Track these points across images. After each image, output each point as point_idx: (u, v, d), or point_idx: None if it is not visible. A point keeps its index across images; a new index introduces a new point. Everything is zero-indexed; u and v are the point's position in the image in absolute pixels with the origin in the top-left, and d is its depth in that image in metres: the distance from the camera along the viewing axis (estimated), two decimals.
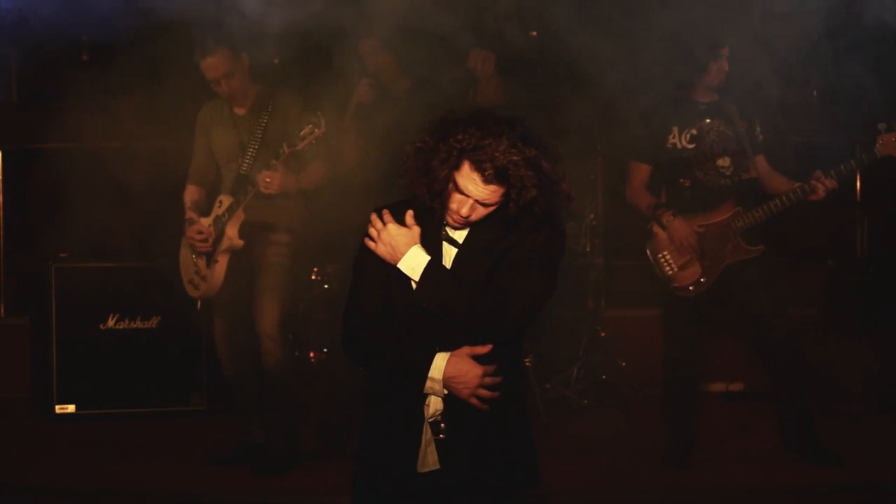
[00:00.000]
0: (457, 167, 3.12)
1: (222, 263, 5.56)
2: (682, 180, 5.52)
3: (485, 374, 3.18)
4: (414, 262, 3.21)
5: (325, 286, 7.11)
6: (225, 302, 5.63)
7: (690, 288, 5.49)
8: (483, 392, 3.19)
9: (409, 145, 3.21)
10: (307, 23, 5.09)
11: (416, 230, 3.24)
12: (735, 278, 5.47)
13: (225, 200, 5.58)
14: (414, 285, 3.22)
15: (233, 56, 5.45)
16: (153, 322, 6.73)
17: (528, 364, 6.50)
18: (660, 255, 5.52)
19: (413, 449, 3.22)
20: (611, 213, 7.36)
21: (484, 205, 3.16)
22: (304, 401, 5.96)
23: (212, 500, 5.35)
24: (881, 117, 5.31)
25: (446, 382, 3.18)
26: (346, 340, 3.34)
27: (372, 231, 3.26)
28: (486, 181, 3.10)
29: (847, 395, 6.70)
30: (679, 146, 5.51)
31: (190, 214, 5.67)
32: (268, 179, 5.36)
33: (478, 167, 3.09)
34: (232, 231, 5.53)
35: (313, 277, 7.14)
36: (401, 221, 3.25)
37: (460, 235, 3.27)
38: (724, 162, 5.50)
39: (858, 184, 8.09)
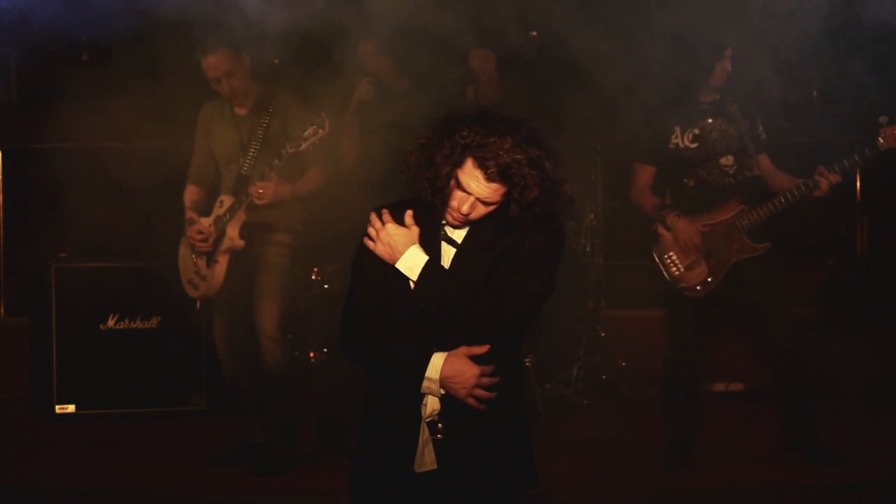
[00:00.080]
0: (460, 164, 3.13)
1: (222, 263, 5.56)
2: (685, 180, 5.52)
3: (482, 375, 3.19)
4: (412, 262, 3.21)
5: (325, 286, 7.11)
6: (224, 302, 5.63)
7: (698, 288, 5.48)
8: (480, 392, 3.19)
9: (413, 141, 3.21)
10: (308, 23, 5.09)
11: (415, 230, 3.25)
12: (741, 277, 5.47)
13: (226, 200, 5.57)
14: (412, 285, 3.22)
15: (234, 55, 5.44)
16: (153, 322, 6.73)
17: (528, 364, 6.50)
18: (666, 257, 5.51)
19: (410, 449, 3.22)
20: (611, 213, 7.36)
21: (485, 203, 3.17)
22: (304, 401, 5.96)
23: (212, 500, 5.35)
24: (881, 116, 5.30)
25: (443, 382, 3.18)
26: (343, 339, 3.34)
27: (371, 230, 3.27)
28: (489, 179, 3.11)
29: (847, 395, 6.71)
30: (682, 146, 5.50)
31: (190, 214, 5.67)
32: (260, 191, 5.36)
33: (481, 164, 3.10)
34: (233, 231, 5.52)
35: (313, 277, 7.14)
36: (400, 221, 3.26)
37: (459, 235, 3.28)
38: (727, 160, 5.50)
39: (858, 184, 8.10)
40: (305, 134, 5.28)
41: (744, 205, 5.47)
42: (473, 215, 3.19)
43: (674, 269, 5.50)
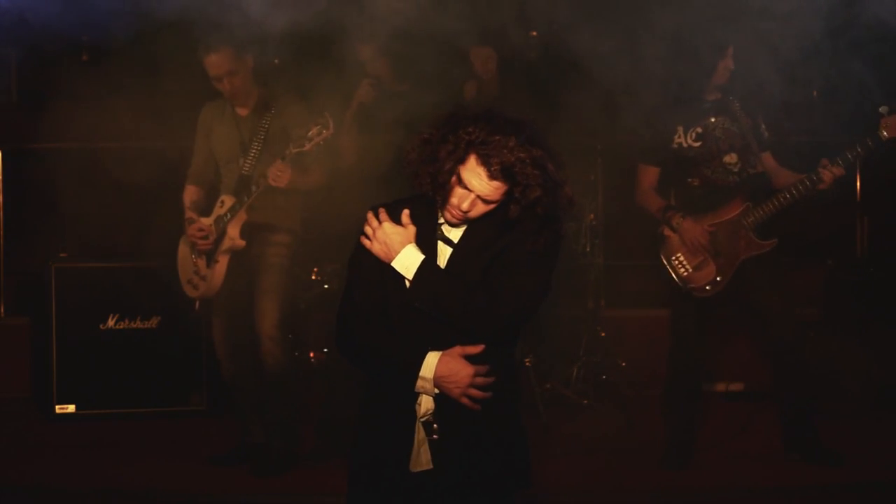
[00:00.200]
0: (463, 160, 3.13)
1: (223, 263, 5.56)
2: (690, 179, 5.52)
3: (476, 374, 3.19)
4: (408, 261, 3.21)
5: (325, 286, 7.11)
6: (223, 302, 5.63)
7: (707, 288, 5.47)
8: (474, 392, 3.19)
9: (416, 136, 3.21)
10: (309, 23, 5.09)
11: (412, 229, 3.25)
12: (747, 277, 5.46)
13: (227, 200, 5.57)
14: (408, 284, 3.22)
15: (236, 55, 5.45)
16: (153, 322, 6.73)
17: (528, 364, 6.51)
18: (673, 258, 5.50)
19: (406, 448, 3.22)
20: (611, 213, 7.36)
21: (485, 201, 3.17)
22: (304, 401, 5.96)
23: (212, 500, 5.35)
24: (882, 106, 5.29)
25: (437, 381, 3.18)
26: (339, 338, 3.35)
27: (367, 229, 3.27)
28: (492, 177, 3.11)
29: (847, 395, 6.70)
30: (685, 145, 5.50)
31: (190, 214, 5.67)
32: (279, 172, 5.34)
33: (484, 161, 3.10)
34: (234, 231, 5.52)
35: (313, 277, 7.14)
36: (397, 220, 3.26)
37: (456, 235, 3.28)
38: (731, 158, 5.50)
39: (858, 184, 8.09)
40: (309, 134, 5.27)
41: (749, 202, 5.47)
42: (473, 213, 3.19)
43: (682, 270, 5.49)
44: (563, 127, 5.44)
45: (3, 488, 5.36)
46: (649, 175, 5.61)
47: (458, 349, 3.20)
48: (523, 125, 3.14)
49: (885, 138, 5.28)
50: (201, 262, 5.63)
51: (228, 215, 5.53)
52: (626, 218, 6.33)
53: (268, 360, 5.51)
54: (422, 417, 3.22)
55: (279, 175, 5.33)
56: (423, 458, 3.21)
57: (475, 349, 3.20)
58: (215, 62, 5.45)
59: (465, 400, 3.19)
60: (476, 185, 3.13)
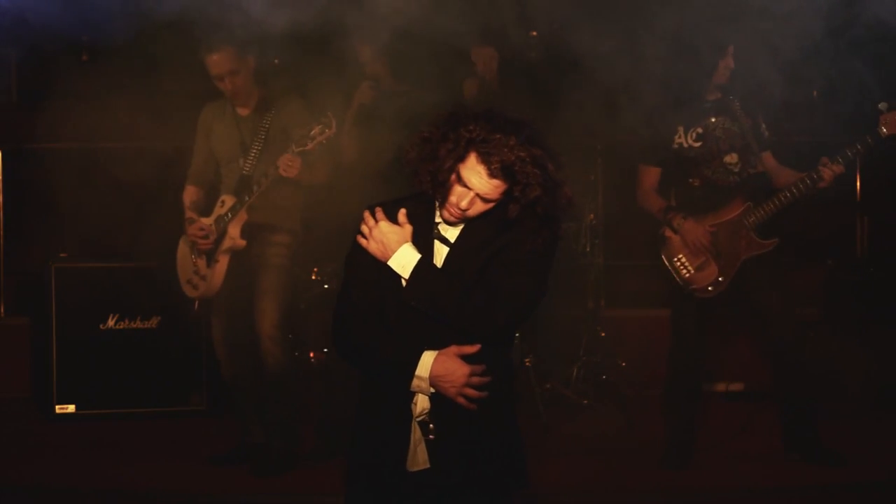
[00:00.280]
0: (463, 158, 3.13)
1: (223, 263, 5.56)
2: (691, 180, 5.51)
3: (472, 374, 3.18)
4: (404, 260, 3.21)
5: (325, 286, 7.10)
6: (223, 302, 5.63)
7: (710, 288, 5.47)
8: (470, 391, 3.19)
9: (415, 135, 3.22)
10: (309, 23, 5.09)
11: (408, 228, 3.25)
12: (748, 277, 5.46)
13: (228, 200, 5.58)
14: (404, 283, 3.22)
15: (238, 54, 5.45)
16: (153, 322, 6.73)
17: (528, 364, 6.51)
18: (675, 259, 5.50)
19: (403, 448, 3.22)
20: (611, 213, 7.36)
21: (484, 200, 3.17)
22: (304, 401, 5.96)
23: (212, 500, 5.35)
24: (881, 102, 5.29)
25: (433, 381, 3.18)
26: (335, 337, 3.35)
27: (364, 228, 3.27)
28: (492, 175, 3.11)
29: (847, 395, 6.70)
30: (686, 146, 5.49)
31: (190, 214, 5.67)
32: (289, 163, 5.31)
33: (485, 159, 3.10)
34: (235, 231, 5.53)
35: (313, 277, 7.13)
36: (394, 219, 3.26)
37: (452, 234, 3.28)
38: (731, 158, 5.49)
39: (858, 184, 8.09)
40: (312, 133, 5.27)
41: (749, 202, 5.47)
42: (471, 212, 3.19)
43: (684, 271, 5.49)
44: (563, 127, 5.44)
45: (3, 488, 5.36)
46: (650, 176, 5.61)
47: (454, 349, 3.19)
48: (523, 125, 3.14)
49: (884, 135, 5.27)
50: (201, 262, 5.63)
51: (229, 215, 5.53)
52: (626, 218, 6.33)
53: (268, 360, 5.51)
54: (418, 417, 3.22)
55: (289, 166, 5.30)
56: (420, 457, 3.21)
57: (471, 349, 3.20)
58: (217, 61, 5.45)
59: (460, 399, 3.19)
60: (475, 183, 3.13)
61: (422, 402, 3.22)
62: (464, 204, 3.16)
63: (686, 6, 5.26)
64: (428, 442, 3.21)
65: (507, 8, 5.74)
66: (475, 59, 6.25)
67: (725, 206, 5.48)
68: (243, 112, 5.64)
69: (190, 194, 5.75)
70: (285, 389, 5.58)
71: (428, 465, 3.21)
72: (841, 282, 7.26)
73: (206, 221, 5.61)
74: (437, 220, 3.28)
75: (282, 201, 5.54)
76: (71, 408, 6.57)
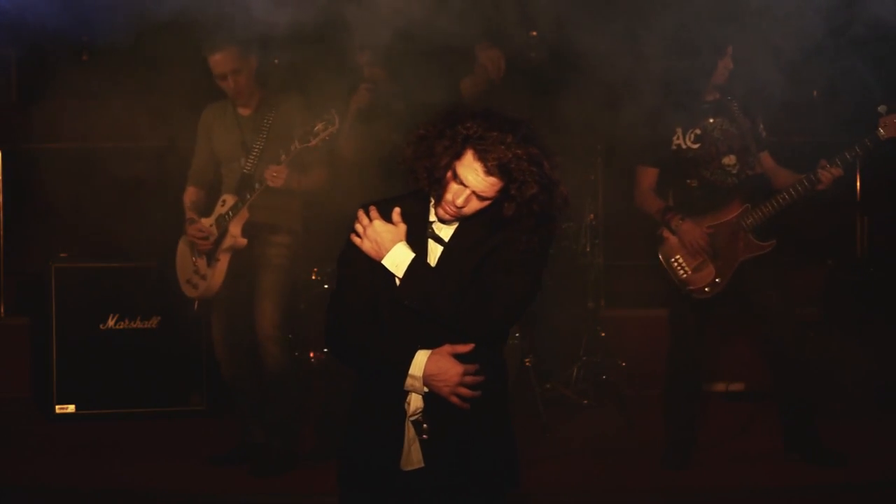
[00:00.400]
0: (459, 155, 3.13)
1: (223, 262, 5.56)
2: (689, 181, 5.51)
3: (465, 373, 3.18)
4: (398, 259, 3.21)
5: (325, 286, 7.09)
6: (223, 302, 5.64)
7: (706, 289, 5.47)
8: (463, 391, 3.19)
9: (412, 132, 3.21)
10: (309, 23, 5.09)
11: (402, 227, 3.25)
12: (747, 278, 5.46)
13: (228, 199, 5.58)
14: (398, 282, 3.22)
15: (241, 54, 5.46)
16: (153, 322, 6.73)
17: (528, 364, 6.50)
18: (672, 260, 5.50)
19: (397, 447, 3.22)
20: (611, 213, 7.35)
21: (480, 198, 3.16)
22: (304, 401, 5.96)
23: (212, 500, 5.35)
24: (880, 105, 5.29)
25: (426, 380, 3.18)
26: (329, 335, 3.36)
27: (358, 227, 3.27)
28: (488, 172, 3.11)
29: (847, 395, 6.70)
30: (684, 147, 5.49)
31: (190, 214, 5.68)
32: (274, 174, 5.35)
33: (481, 157, 3.10)
34: (236, 229, 5.53)
35: (313, 277, 7.13)
36: (388, 218, 3.26)
37: (446, 233, 3.27)
38: (729, 160, 5.49)
39: (858, 184, 8.08)
40: (315, 129, 5.28)
41: (747, 203, 5.47)
42: (467, 209, 3.19)
43: (681, 272, 5.49)
44: (563, 127, 5.44)
45: (3, 488, 5.36)
46: (648, 176, 5.61)
47: (447, 348, 3.19)
48: (520, 123, 3.14)
49: (883, 137, 5.27)
50: (201, 262, 5.64)
51: (230, 214, 5.54)
52: (626, 218, 6.33)
53: (267, 361, 5.51)
54: (412, 416, 3.22)
55: (275, 176, 5.35)
56: (413, 456, 3.21)
57: (465, 348, 3.19)
58: (220, 61, 5.47)
59: (454, 399, 3.19)
60: (472, 180, 3.13)
61: (415, 402, 3.22)
62: (460, 201, 3.16)
63: (686, 6, 5.26)
64: (422, 441, 3.21)
65: (507, 8, 5.74)
66: (483, 61, 6.24)
67: (723, 208, 5.48)
68: (244, 112, 5.64)
69: (190, 195, 5.76)
70: (285, 389, 5.58)
71: (422, 465, 3.21)
72: (841, 282, 7.25)
73: (207, 222, 5.61)
74: (432, 218, 3.27)
75: (283, 201, 5.55)
76: (71, 408, 6.57)
